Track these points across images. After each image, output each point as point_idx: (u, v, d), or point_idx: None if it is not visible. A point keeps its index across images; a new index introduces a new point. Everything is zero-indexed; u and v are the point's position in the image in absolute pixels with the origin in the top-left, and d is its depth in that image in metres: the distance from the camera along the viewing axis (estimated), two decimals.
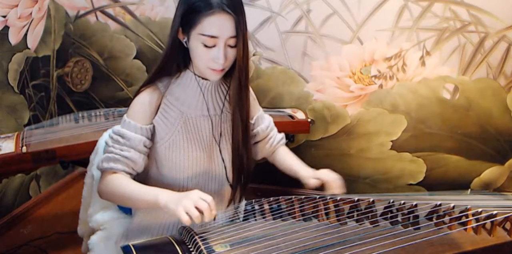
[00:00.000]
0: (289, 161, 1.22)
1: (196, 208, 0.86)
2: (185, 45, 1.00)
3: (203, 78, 1.05)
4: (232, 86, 1.06)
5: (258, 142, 1.22)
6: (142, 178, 1.09)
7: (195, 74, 1.05)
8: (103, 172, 1.04)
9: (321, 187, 1.10)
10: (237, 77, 1.03)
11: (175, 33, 1.00)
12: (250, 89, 1.12)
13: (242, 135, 1.09)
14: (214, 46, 0.96)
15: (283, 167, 1.22)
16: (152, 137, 1.05)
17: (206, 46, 0.96)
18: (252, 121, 1.17)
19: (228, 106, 1.11)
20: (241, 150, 1.09)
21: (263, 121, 1.22)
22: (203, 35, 0.94)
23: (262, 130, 1.20)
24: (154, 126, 1.05)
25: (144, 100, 1.04)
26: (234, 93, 1.06)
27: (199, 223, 0.86)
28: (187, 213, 0.85)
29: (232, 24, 0.94)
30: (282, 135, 1.27)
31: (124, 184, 0.99)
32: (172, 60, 1.04)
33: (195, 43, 0.97)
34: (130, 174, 1.04)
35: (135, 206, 1.05)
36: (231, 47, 0.98)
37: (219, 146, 1.10)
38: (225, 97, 1.10)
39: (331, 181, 1.10)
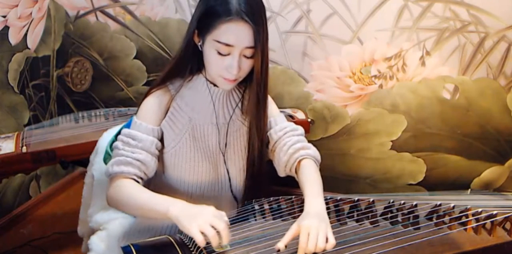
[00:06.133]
0: (302, 181, 1.00)
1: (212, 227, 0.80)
2: (199, 48, 0.97)
3: (214, 85, 1.02)
4: (250, 100, 1.02)
5: (274, 150, 1.09)
6: (148, 182, 1.06)
7: (207, 80, 1.02)
8: (113, 177, 0.97)
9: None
10: (255, 91, 0.99)
11: (191, 35, 0.96)
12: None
13: (258, 149, 1.05)
14: (228, 54, 0.92)
15: (302, 190, 0.99)
16: (161, 140, 1.02)
17: (220, 53, 0.92)
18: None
19: (239, 114, 1.07)
20: (256, 165, 1.06)
21: (276, 123, 1.09)
22: (218, 42, 0.90)
23: (271, 133, 1.09)
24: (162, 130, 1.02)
25: (154, 102, 1.01)
26: (252, 107, 1.02)
27: (215, 244, 0.80)
28: (202, 232, 0.79)
29: (250, 34, 0.90)
30: (305, 144, 1.07)
31: (134, 192, 0.93)
32: (185, 63, 1.00)
33: (209, 49, 0.93)
34: (141, 178, 0.99)
35: (144, 216, 0.97)
36: (247, 57, 0.94)
37: (223, 156, 1.07)
38: (236, 106, 1.07)
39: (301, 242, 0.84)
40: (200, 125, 1.03)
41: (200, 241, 0.79)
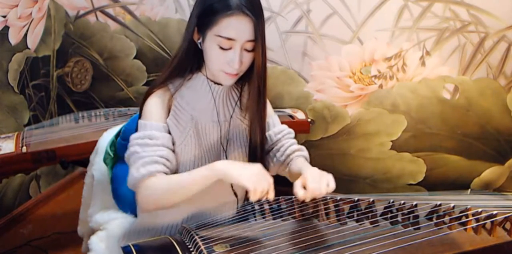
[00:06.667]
0: (297, 166, 1.06)
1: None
2: (199, 46, 0.98)
3: (215, 83, 1.03)
4: (251, 94, 1.03)
5: (269, 151, 1.14)
6: None
7: (207, 78, 1.02)
8: (141, 180, 0.94)
9: None
10: (256, 84, 1.00)
11: (191, 34, 0.97)
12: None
13: (260, 143, 1.07)
14: (230, 49, 0.93)
15: (293, 177, 1.04)
16: None
17: (221, 48, 0.93)
18: None
19: (238, 112, 1.08)
20: (258, 160, 1.07)
21: (274, 125, 1.14)
22: (220, 36, 0.91)
23: (270, 135, 1.13)
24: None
25: (157, 101, 1.01)
26: (253, 101, 1.03)
27: (262, 197, 0.86)
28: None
29: (251, 27, 0.91)
30: (300, 146, 1.14)
31: (170, 178, 0.94)
32: (185, 62, 1.01)
33: (211, 45, 0.94)
34: (167, 174, 0.97)
35: (195, 191, 0.92)
36: (248, 51, 0.95)
37: (225, 153, 1.07)
38: (236, 103, 1.08)
39: (312, 192, 0.92)
40: (202, 123, 1.04)
41: (254, 190, 0.84)
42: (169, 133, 1.01)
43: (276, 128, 1.14)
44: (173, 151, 1.00)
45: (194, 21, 0.96)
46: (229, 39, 0.92)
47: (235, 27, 0.91)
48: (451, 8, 1.73)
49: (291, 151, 1.11)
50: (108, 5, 2.15)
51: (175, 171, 1.05)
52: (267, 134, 1.12)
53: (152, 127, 0.98)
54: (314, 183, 0.91)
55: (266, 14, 1.91)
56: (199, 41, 0.97)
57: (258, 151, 1.08)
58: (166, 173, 0.96)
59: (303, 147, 1.15)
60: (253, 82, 1.01)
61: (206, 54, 0.97)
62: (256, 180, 0.85)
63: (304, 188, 0.92)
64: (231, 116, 1.07)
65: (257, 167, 0.89)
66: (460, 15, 1.74)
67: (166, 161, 0.96)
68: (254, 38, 0.93)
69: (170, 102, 1.02)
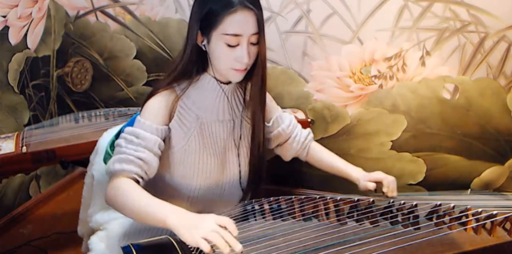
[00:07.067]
0: (331, 158, 1.24)
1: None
2: (203, 48, 0.99)
3: (222, 82, 1.04)
4: (254, 85, 1.05)
5: (284, 142, 1.21)
6: (153, 183, 1.04)
7: (215, 78, 1.03)
8: (113, 175, 0.95)
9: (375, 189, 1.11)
10: (260, 75, 1.02)
11: (194, 38, 0.97)
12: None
13: (263, 130, 1.09)
14: (237, 45, 0.94)
15: (324, 165, 1.24)
16: (165, 139, 1.02)
17: (229, 45, 0.94)
18: (270, 124, 1.16)
19: (243, 111, 1.10)
20: (261, 151, 1.09)
21: (283, 121, 1.20)
22: (226, 34, 0.93)
23: (283, 129, 1.19)
24: (169, 130, 1.02)
25: (160, 102, 1.01)
26: (255, 92, 1.05)
27: (227, 250, 0.76)
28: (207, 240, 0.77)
29: (254, 20, 0.93)
30: (308, 130, 1.25)
31: (132, 195, 0.90)
32: (191, 66, 1.01)
33: (217, 44, 0.95)
34: (142, 178, 0.97)
35: (141, 221, 0.91)
36: (253, 44, 0.96)
37: (238, 150, 1.09)
38: (241, 102, 1.10)
39: (390, 183, 1.10)
40: (208, 123, 1.04)
41: (207, 248, 0.76)
42: (166, 135, 1.01)
43: (285, 123, 1.20)
44: (159, 155, 0.99)
45: (197, 25, 0.96)
46: (236, 35, 0.93)
47: (240, 23, 0.92)
48: (451, 8, 1.73)
49: (304, 138, 1.22)
50: (108, 5, 2.15)
51: (175, 171, 1.05)
52: (280, 128, 1.18)
53: (144, 126, 0.99)
54: (383, 174, 1.12)
55: (266, 14, 1.92)
56: (203, 43, 0.98)
57: (261, 143, 1.09)
58: (141, 176, 0.96)
59: (309, 130, 1.25)
60: (257, 74, 1.02)
61: (213, 55, 0.98)
62: (209, 236, 0.77)
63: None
64: (241, 115, 1.09)
65: (209, 224, 0.79)
66: (460, 15, 1.74)
67: (143, 164, 0.96)
68: (258, 30, 0.95)
69: (175, 103, 1.02)
